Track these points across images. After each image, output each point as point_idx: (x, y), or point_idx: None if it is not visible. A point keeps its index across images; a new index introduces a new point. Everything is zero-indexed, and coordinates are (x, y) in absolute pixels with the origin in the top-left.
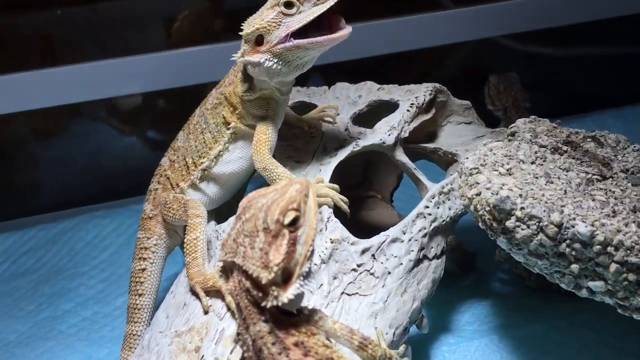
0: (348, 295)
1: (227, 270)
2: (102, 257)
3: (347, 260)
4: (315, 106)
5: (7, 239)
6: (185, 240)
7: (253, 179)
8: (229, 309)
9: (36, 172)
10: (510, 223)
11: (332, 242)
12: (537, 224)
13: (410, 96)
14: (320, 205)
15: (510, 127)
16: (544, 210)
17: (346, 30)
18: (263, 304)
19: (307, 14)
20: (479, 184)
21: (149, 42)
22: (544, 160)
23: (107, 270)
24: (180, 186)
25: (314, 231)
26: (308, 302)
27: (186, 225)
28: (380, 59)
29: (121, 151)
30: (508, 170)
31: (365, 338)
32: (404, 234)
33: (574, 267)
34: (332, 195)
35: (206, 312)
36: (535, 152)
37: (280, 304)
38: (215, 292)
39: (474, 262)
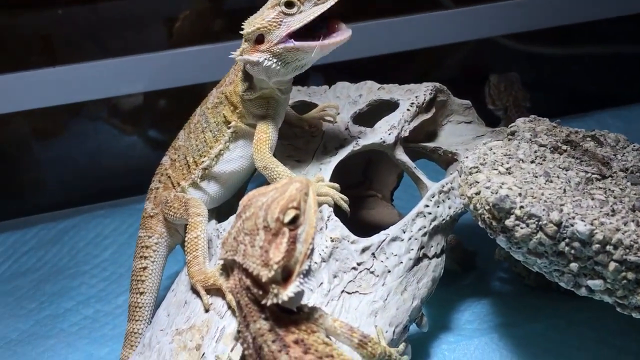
0: (348, 293)
1: (228, 268)
2: (103, 256)
3: (347, 259)
4: (315, 105)
5: (9, 238)
6: (186, 238)
7: (253, 179)
8: (229, 307)
9: (37, 172)
10: (509, 222)
11: (332, 241)
12: (536, 222)
13: (411, 95)
14: (320, 204)
15: (510, 127)
16: (543, 209)
17: (346, 34)
18: (263, 301)
19: (308, 14)
20: (478, 182)
21: (150, 42)
22: (544, 160)
23: (108, 269)
24: (181, 185)
25: (314, 229)
26: (308, 300)
27: (187, 224)
28: (380, 58)
29: (122, 151)
30: (508, 169)
31: (365, 336)
32: (404, 232)
33: (573, 265)
34: (333, 194)
35: (207, 310)
36: (535, 151)
37: (280, 301)
38: (216, 291)
39: (474, 261)
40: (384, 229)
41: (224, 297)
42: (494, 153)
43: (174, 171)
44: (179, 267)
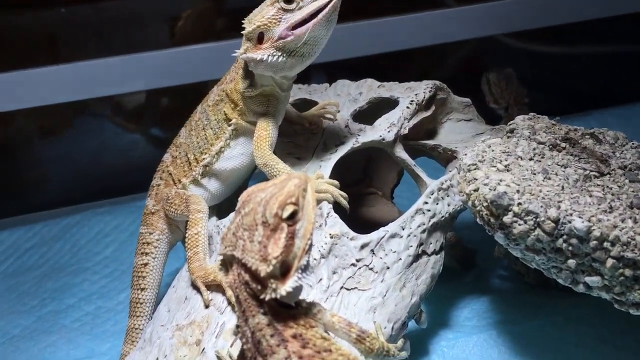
0: (347, 289)
1: (227, 263)
2: (105, 253)
3: (346, 255)
4: (316, 103)
5: (11, 235)
6: (186, 235)
7: (254, 176)
8: (229, 302)
9: (40, 169)
10: (507, 218)
11: (331, 237)
12: (534, 219)
13: (410, 93)
14: (320, 201)
15: (509, 124)
16: (541, 206)
17: None
18: (262, 296)
19: (307, 9)
20: (477, 179)
21: (152, 40)
22: (542, 157)
23: (110, 266)
24: (182, 182)
25: (312, 225)
26: (307, 296)
27: (188, 221)
28: (380, 56)
29: (124, 148)
30: (506, 167)
31: (363, 331)
32: (403, 229)
33: (571, 262)
34: (332, 191)
35: (207, 306)
36: (534, 149)
37: (278, 296)
38: (216, 287)
39: (474, 259)
40: (384, 227)
41: (224, 293)
42: (493, 150)
43: (175, 168)
44: (180, 264)
